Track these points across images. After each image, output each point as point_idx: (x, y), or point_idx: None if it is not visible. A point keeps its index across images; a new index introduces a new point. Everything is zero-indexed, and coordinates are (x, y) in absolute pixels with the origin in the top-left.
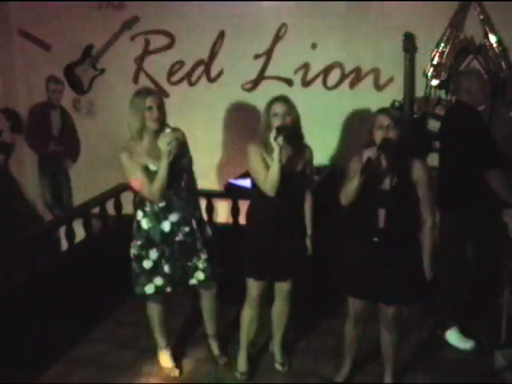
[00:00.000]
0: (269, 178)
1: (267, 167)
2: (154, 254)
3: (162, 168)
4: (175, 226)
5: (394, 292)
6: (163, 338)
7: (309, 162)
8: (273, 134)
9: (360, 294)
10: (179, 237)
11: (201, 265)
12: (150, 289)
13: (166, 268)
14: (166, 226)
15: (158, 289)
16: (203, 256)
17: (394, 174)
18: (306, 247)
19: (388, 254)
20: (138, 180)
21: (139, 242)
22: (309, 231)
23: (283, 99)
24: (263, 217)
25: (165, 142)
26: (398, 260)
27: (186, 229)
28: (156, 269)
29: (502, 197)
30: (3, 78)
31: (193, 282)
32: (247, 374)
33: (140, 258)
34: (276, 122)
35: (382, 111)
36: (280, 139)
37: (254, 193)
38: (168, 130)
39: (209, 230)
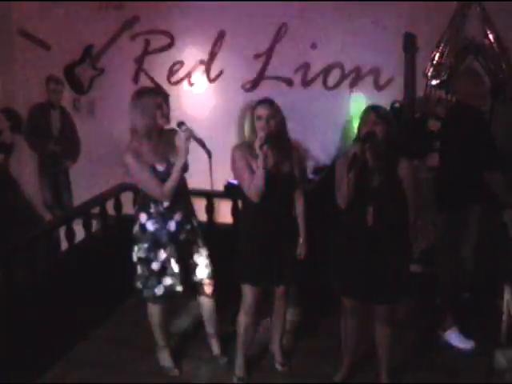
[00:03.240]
0: (253, 185)
1: (252, 172)
2: (162, 255)
3: (178, 166)
4: (180, 225)
5: (384, 291)
6: (163, 338)
7: (297, 163)
8: (257, 142)
9: (349, 293)
10: (183, 235)
11: (201, 261)
12: (159, 290)
13: (176, 267)
14: (172, 226)
15: (168, 289)
16: (204, 252)
17: (381, 172)
18: (300, 249)
19: (374, 252)
20: (146, 180)
21: (146, 245)
22: (302, 235)
23: (267, 102)
24: (254, 221)
25: (183, 139)
26: (384, 258)
27: (188, 227)
28: (165, 269)
29: (502, 197)
30: (3, 78)
31: (195, 279)
32: (244, 380)
33: (148, 261)
34: (260, 126)
35: (369, 108)
36: (265, 148)
37: (244, 198)
38: (184, 127)
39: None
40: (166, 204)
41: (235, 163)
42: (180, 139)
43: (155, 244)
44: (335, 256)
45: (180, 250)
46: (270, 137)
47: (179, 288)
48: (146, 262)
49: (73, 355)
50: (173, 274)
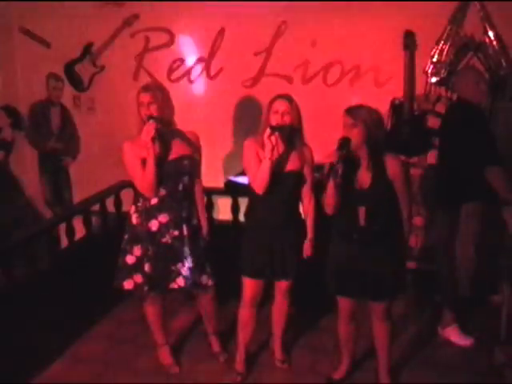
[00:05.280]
0: (258, 176)
1: (260, 164)
2: (137, 250)
3: (148, 159)
4: (163, 227)
5: (378, 288)
6: (162, 337)
7: (308, 162)
8: (267, 131)
9: (345, 292)
10: (166, 238)
11: (184, 272)
12: (129, 284)
13: (147, 267)
14: (153, 225)
15: (137, 286)
16: (187, 264)
17: (370, 172)
18: (303, 247)
19: (369, 251)
20: (133, 171)
21: (126, 236)
22: (309, 234)
23: (285, 98)
24: (259, 215)
25: (146, 133)
26: (379, 256)
27: (176, 232)
28: (138, 266)
29: (501, 194)
30: (3, 76)
31: (173, 286)
32: (244, 375)
33: (125, 252)
34: (274, 120)
35: (345, 111)
36: (273, 138)
37: (250, 191)
38: (151, 121)
39: (203, 240)
40: (153, 202)
41: (245, 154)
42: (143, 134)
43: (133, 238)
44: (330, 256)
45: (159, 253)
46: (281, 128)
47: (146, 288)
48: (123, 252)
49: (73, 353)
50: (143, 273)
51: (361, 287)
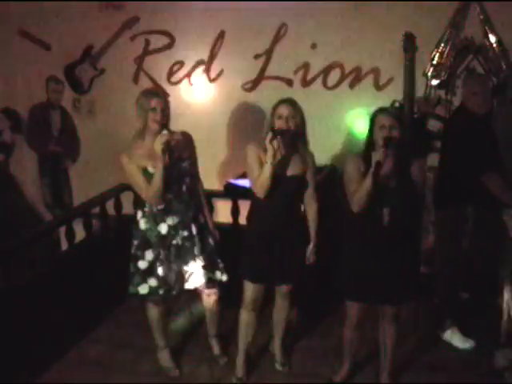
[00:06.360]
0: (259, 179)
1: (262, 168)
2: (149, 255)
3: (157, 171)
4: (172, 230)
5: (394, 292)
6: (163, 339)
7: (310, 166)
8: (268, 135)
9: (360, 298)
10: (176, 240)
11: (197, 271)
12: (143, 289)
13: (160, 270)
14: (163, 229)
15: (152, 290)
16: (200, 262)
17: (397, 174)
18: (305, 253)
19: (390, 254)
20: (136, 182)
21: (136, 242)
22: (313, 240)
23: (289, 102)
24: (260, 219)
25: (159, 144)
26: (400, 258)
27: (185, 233)
28: (151, 270)
29: (501, 199)
30: (3, 78)
31: (188, 286)
32: (243, 380)
33: (136, 258)
34: (279, 125)
35: (383, 111)
36: (275, 142)
37: (252, 195)
38: (164, 132)
39: (212, 237)
40: (160, 206)
41: (247, 157)
42: (155, 144)
43: (144, 243)
44: (348, 260)
45: (171, 255)
46: (283, 132)
47: (161, 291)
48: (134, 258)
49: (73, 355)
50: (157, 277)
51: (378, 291)
